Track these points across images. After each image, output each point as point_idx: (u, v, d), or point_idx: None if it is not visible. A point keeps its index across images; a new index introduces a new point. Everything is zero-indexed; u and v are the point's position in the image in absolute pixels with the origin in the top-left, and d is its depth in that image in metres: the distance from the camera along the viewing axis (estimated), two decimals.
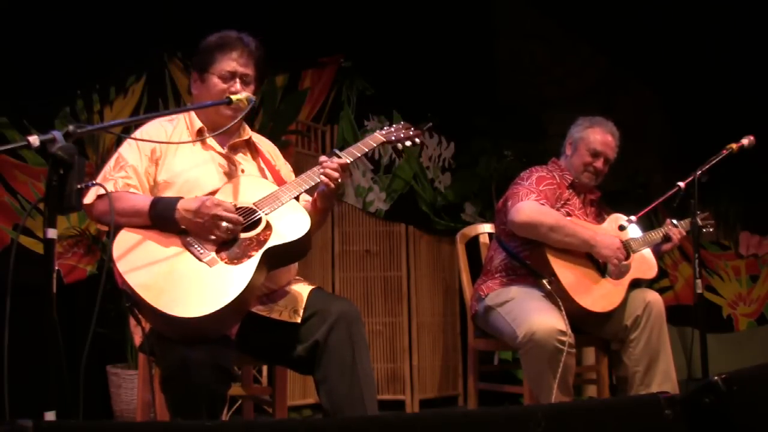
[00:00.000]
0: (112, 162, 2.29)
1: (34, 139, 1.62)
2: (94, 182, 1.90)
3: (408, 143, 2.53)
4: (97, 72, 4.00)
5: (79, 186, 1.67)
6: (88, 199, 2.17)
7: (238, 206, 2.19)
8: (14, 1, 3.74)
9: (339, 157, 2.29)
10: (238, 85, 2.33)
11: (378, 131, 2.52)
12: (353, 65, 4.76)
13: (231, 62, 2.34)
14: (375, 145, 2.46)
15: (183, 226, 2.11)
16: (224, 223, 2.08)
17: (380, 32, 4.74)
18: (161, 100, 4.17)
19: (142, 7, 4.00)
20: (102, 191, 2.16)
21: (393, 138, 2.51)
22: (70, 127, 1.69)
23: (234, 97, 2.21)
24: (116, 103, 4.08)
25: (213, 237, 2.10)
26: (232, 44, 2.36)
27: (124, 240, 2.09)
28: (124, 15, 3.97)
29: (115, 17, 3.95)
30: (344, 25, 4.61)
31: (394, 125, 2.56)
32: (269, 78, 4.21)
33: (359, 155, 2.37)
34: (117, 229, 2.11)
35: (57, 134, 1.64)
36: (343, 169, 2.27)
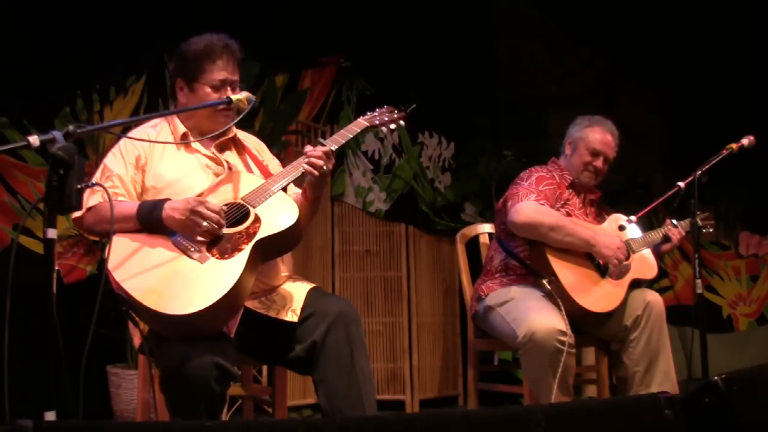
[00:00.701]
0: (98, 174, 2.30)
1: (34, 139, 1.62)
2: (93, 182, 1.90)
3: (392, 126, 2.54)
4: (97, 72, 4.00)
5: (79, 186, 1.67)
6: (77, 213, 2.18)
7: (226, 203, 2.19)
8: (14, 1, 3.75)
9: (323, 145, 2.29)
10: (229, 92, 2.34)
11: (361, 116, 2.52)
12: (353, 65, 4.75)
13: (221, 71, 2.35)
14: (359, 130, 2.46)
15: (169, 226, 2.11)
16: (204, 222, 2.08)
17: (380, 32, 4.74)
18: (161, 100, 4.16)
19: (142, 6, 4.00)
20: (91, 203, 2.19)
21: (377, 122, 2.52)
22: (70, 127, 1.69)
23: (234, 97, 2.21)
24: (116, 103, 4.09)
25: (197, 235, 2.10)
26: (219, 52, 2.36)
27: (117, 248, 2.09)
28: (124, 15, 3.97)
29: (114, 17, 3.95)
30: (344, 25, 4.61)
31: (377, 109, 2.55)
32: (269, 78, 4.21)
33: (344, 142, 2.39)
34: (109, 237, 2.11)
35: (57, 134, 1.64)
36: (327, 156, 2.27)
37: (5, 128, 3.73)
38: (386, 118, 2.53)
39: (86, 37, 3.87)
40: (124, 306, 2.04)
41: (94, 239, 2.32)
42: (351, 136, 2.43)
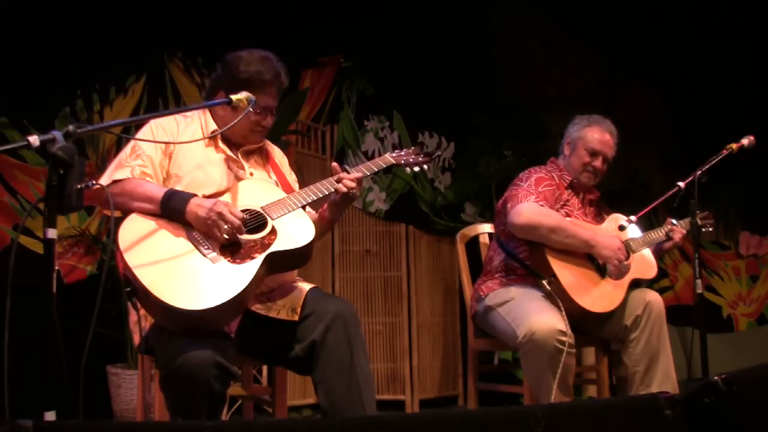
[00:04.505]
0: (128, 149, 2.31)
1: (34, 139, 1.62)
2: (94, 182, 1.90)
3: (416, 168, 2.65)
4: (97, 72, 4.00)
5: (79, 186, 1.67)
6: (105, 180, 2.20)
7: (246, 209, 2.21)
8: (14, 1, 3.75)
9: (348, 172, 2.38)
10: (269, 118, 2.41)
11: (389, 153, 2.63)
12: (353, 65, 4.76)
13: (269, 99, 2.40)
14: (384, 165, 2.57)
15: (190, 220, 2.14)
16: (225, 225, 2.11)
17: (380, 32, 4.74)
18: (161, 100, 4.17)
19: (142, 7, 4.00)
20: (118, 177, 2.21)
21: (402, 162, 2.62)
22: (70, 127, 1.69)
23: (234, 97, 2.22)
24: (116, 103, 4.09)
25: (215, 235, 2.13)
26: (271, 82, 2.40)
27: (132, 228, 2.11)
28: (124, 15, 3.97)
29: (114, 17, 3.95)
30: (344, 25, 4.61)
31: (404, 149, 2.67)
32: None
33: (368, 174, 2.48)
34: (127, 213, 2.16)
35: (57, 134, 1.64)
36: (359, 183, 2.38)
37: (5, 128, 3.73)
38: (411, 160, 2.63)
39: (86, 37, 3.88)
40: (127, 287, 2.04)
41: (108, 213, 2.30)
42: (376, 169, 2.52)
